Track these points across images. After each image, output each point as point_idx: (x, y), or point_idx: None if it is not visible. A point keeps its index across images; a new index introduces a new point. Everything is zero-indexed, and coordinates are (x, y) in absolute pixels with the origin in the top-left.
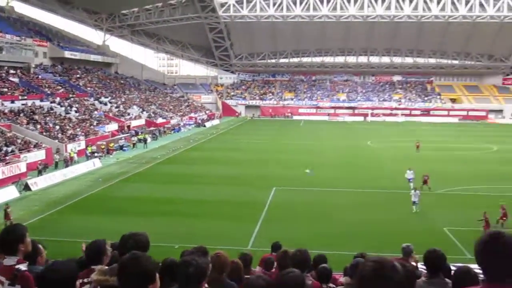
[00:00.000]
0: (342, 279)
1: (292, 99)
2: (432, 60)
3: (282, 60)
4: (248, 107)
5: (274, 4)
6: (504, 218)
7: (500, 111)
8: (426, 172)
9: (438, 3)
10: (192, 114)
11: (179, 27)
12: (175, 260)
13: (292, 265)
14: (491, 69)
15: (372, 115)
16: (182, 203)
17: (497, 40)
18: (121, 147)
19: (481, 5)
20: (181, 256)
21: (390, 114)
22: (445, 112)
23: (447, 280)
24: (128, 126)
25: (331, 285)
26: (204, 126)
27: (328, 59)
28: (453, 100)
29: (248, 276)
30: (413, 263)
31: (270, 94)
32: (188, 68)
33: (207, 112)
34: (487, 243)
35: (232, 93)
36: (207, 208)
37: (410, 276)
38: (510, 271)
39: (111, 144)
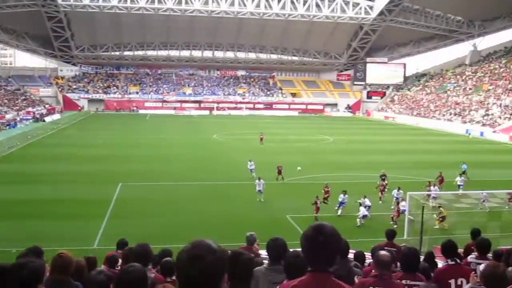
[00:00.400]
0: None
1: (137, 92)
2: (274, 56)
3: (126, 53)
4: (91, 100)
5: None
6: (326, 196)
7: (335, 104)
8: (279, 164)
9: (279, 1)
10: (30, 109)
11: (14, 14)
12: (5, 265)
13: (133, 260)
14: (327, 66)
15: (218, 109)
16: (21, 204)
17: (331, 38)
18: None
19: (317, 5)
20: (16, 259)
21: (235, 108)
22: (286, 106)
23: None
24: None
25: (173, 277)
26: (44, 121)
27: (174, 53)
28: (293, 95)
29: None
30: (256, 251)
31: (115, 87)
32: (25, 59)
33: (46, 106)
34: (310, 235)
35: (74, 86)
36: (48, 208)
37: (225, 258)
38: (332, 260)
39: None
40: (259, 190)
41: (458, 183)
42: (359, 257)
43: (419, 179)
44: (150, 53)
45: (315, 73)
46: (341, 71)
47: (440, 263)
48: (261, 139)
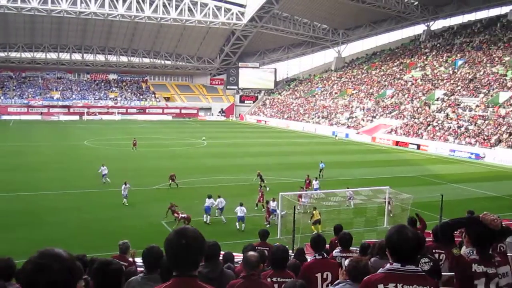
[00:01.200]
0: None
1: None
2: (146, 60)
3: None
4: None
5: None
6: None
7: (209, 109)
8: (172, 172)
9: (151, 5)
10: None
11: None
12: None
13: None
14: (200, 70)
15: (88, 113)
16: None
17: (204, 43)
18: None
19: (190, 10)
20: None
21: (107, 113)
22: (160, 110)
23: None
24: None
25: None
26: None
27: (40, 55)
28: (167, 99)
29: None
30: (131, 259)
31: None
32: None
33: None
34: (172, 240)
35: None
36: None
37: (76, 267)
38: (195, 264)
39: None
40: (125, 195)
41: (315, 186)
42: (229, 257)
43: (290, 180)
44: (13, 54)
45: (189, 77)
46: (214, 76)
47: (310, 259)
48: (134, 144)
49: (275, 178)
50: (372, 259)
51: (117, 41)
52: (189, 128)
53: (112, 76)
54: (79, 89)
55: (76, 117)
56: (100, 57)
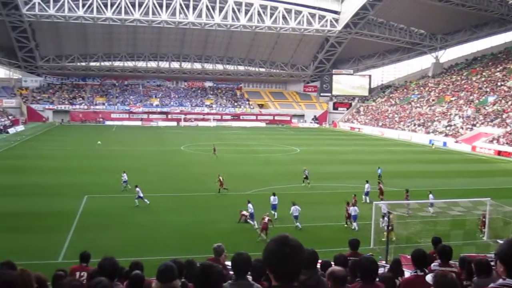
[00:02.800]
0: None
1: (103, 103)
2: (241, 68)
3: (92, 64)
4: (56, 112)
5: (83, 5)
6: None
7: (302, 115)
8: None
9: (246, 14)
10: None
11: None
12: None
13: (100, 274)
14: (294, 77)
15: (185, 120)
16: None
17: (298, 50)
18: None
19: (284, 17)
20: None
21: (203, 119)
22: (254, 117)
23: (252, 282)
24: None
25: None
26: (7, 132)
27: (141, 64)
28: (261, 106)
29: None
30: (224, 263)
31: (80, 98)
32: None
33: (10, 117)
34: (274, 249)
35: (38, 97)
36: (10, 221)
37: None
38: (298, 273)
39: None
40: (141, 197)
41: (431, 199)
42: (326, 266)
43: (388, 189)
44: (117, 64)
45: (282, 84)
46: (308, 83)
47: (407, 272)
48: (214, 150)
49: (372, 186)
50: (475, 279)
51: (214, 50)
52: (282, 135)
53: (208, 84)
54: (177, 96)
55: (174, 123)
56: (197, 65)
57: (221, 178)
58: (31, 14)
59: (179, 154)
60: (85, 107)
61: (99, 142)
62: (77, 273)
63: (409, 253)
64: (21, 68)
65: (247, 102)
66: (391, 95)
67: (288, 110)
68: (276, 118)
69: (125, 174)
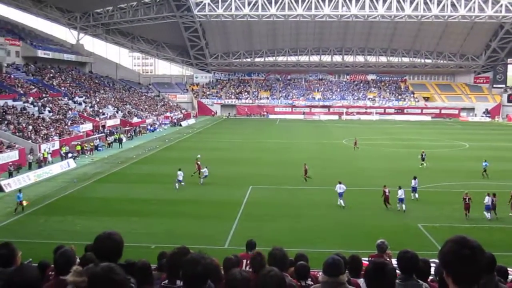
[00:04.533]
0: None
1: (267, 98)
2: (405, 59)
3: (257, 59)
4: (224, 106)
5: (249, 4)
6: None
7: (472, 109)
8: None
9: (411, 3)
10: (168, 114)
11: (154, 26)
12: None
13: (270, 263)
14: (463, 68)
15: (347, 113)
16: (158, 203)
17: (468, 39)
18: (96, 147)
19: (453, 5)
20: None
21: (365, 113)
22: (419, 111)
23: (420, 281)
24: (103, 126)
25: (308, 282)
26: (180, 125)
27: (303, 58)
28: (426, 99)
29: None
30: (388, 259)
31: (246, 93)
32: (164, 67)
33: (182, 111)
34: (453, 250)
35: (208, 92)
36: (183, 207)
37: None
38: (479, 277)
39: (88, 144)
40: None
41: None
42: (501, 272)
43: None
44: (280, 59)
45: (450, 76)
46: (479, 74)
47: None
48: (355, 143)
49: None
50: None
51: (376, 42)
52: (449, 130)
53: (371, 77)
54: (338, 89)
55: (335, 117)
56: (360, 58)
57: (306, 166)
58: (202, 14)
59: (341, 147)
60: (250, 101)
61: (198, 155)
62: (244, 261)
63: None
64: (193, 65)
65: (411, 95)
66: None
67: (456, 103)
68: (443, 111)
69: (180, 171)
